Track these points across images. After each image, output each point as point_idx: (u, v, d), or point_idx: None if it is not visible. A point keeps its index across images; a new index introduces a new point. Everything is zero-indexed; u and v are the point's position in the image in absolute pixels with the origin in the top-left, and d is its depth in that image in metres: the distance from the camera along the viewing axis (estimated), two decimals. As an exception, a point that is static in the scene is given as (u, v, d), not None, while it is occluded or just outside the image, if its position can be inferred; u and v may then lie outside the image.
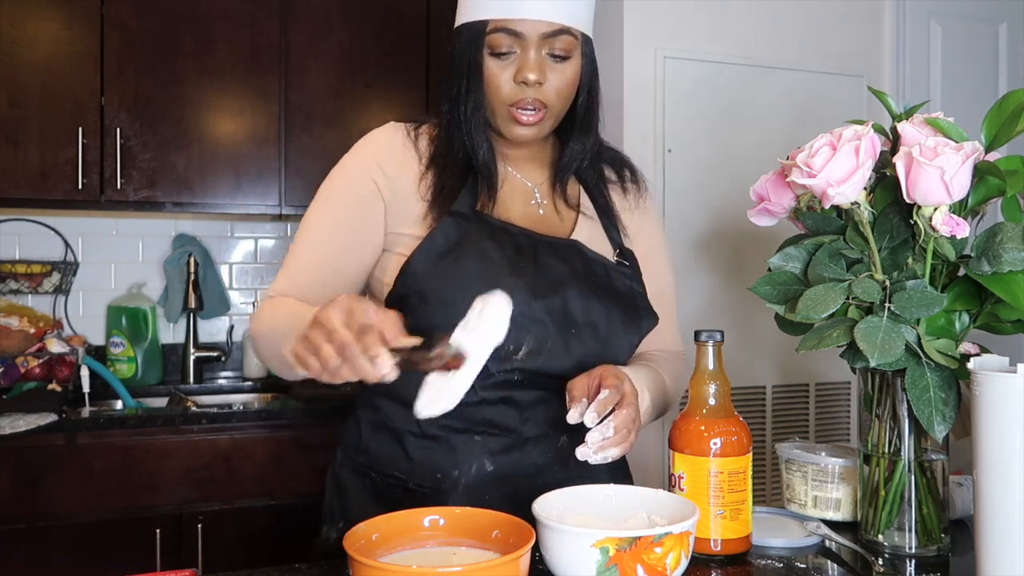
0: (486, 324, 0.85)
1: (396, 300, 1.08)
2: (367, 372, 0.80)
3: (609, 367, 1.03)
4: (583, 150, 1.17)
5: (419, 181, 1.12)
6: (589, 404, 0.96)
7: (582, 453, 0.95)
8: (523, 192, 1.17)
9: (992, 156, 0.93)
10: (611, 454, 0.95)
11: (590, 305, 1.10)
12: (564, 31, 1.06)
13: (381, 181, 1.11)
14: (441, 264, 1.06)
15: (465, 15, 1.09)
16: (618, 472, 1.20)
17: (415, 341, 0.83)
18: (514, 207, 1.15)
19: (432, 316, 1.03)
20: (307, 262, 1.10)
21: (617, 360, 1.12)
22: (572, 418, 0.96)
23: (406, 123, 1.17)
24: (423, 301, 1.05)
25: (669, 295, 1.24)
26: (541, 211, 1.17)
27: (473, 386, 1.04)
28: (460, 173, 1.11)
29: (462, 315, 0.98)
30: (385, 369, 0.79)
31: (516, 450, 1.09)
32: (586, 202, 1.20)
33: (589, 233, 1.17)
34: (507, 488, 1.07)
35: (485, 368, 1.04)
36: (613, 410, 0.96)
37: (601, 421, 0.95)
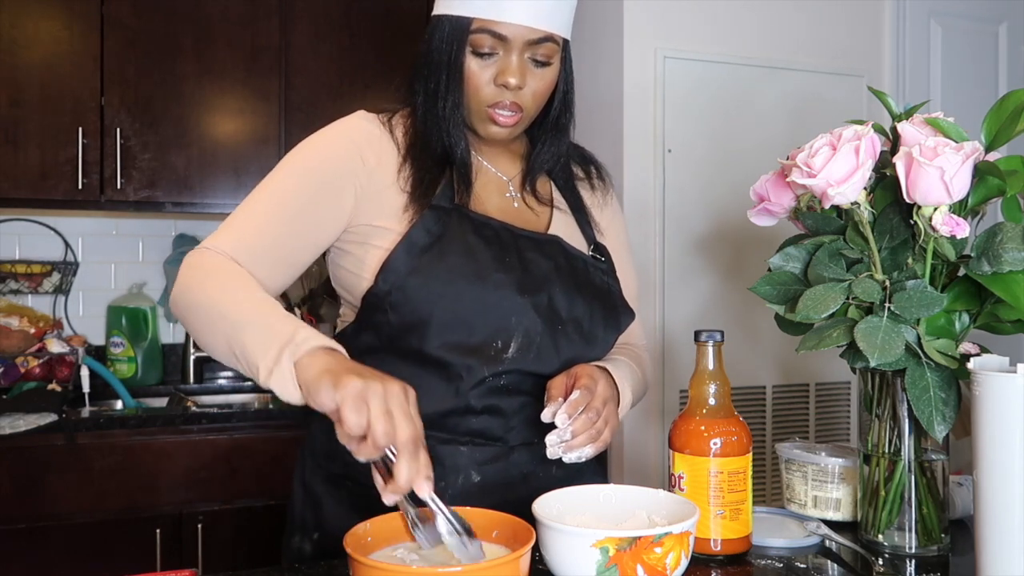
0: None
1: (376, 296, 1.05)
2: (383, 480, 0.79)
3: (585, 367, 1.05)
4: (557, 151, 1.17)
5: (398, 173, 1.09)
6: (564, 403, 0.98)
7: (551, 453, 0.97)
8: (497, 185, 1.16)
9: (992, 156, 0.93)
10: (586, 453, 0.98)
11: (574, 301, 1.10)
12: (548, 38, 1.05)
13: (360, 172, 1.07)
14: (424, 259, 1.04)
15: (446, 6, 1.06)
16: (599, 472, 1.20)
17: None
18: (489, 200, 1.14)
19: (416, 312, 1.02)
20: (263, 230, 1.03)
21: (598, 357, 1.13)
22: (545, 416, 0.98)
23: (378, 113, 1.13)
24: (406, 297, 1.03)
25: (635, 290, 1.25)
26: (515, 204, 1.16)
27: (460, 394, 1.05)
28: (438, 166, 1.10)
29: (447, 310, 1.00)
30: (391, 500, 0.80)
31: (502, 459, 1.08)
32: (558, 197, 1.20)
33: (565, 228, 1.17)
34: (494, 497, 1.03)
35: (477, 373, 1.05)
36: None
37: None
